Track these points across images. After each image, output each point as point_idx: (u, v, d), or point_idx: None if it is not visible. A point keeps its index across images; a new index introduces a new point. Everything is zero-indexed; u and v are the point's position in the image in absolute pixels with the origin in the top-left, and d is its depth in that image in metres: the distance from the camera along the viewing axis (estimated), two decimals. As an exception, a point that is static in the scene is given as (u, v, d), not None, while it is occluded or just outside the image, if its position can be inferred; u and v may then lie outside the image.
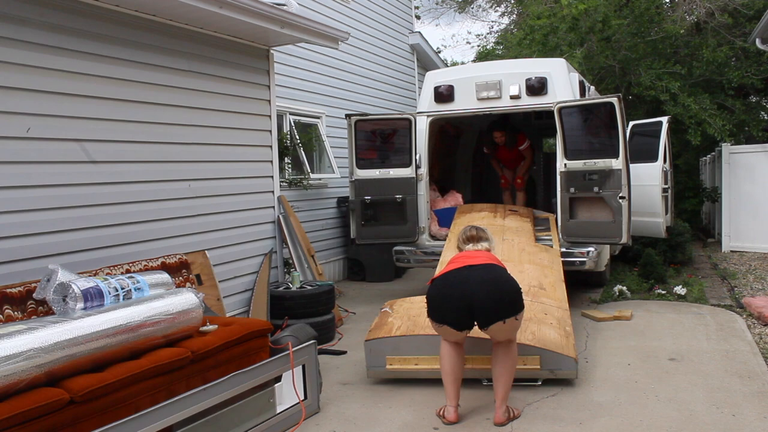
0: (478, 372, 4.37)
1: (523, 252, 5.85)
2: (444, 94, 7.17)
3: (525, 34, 12.15)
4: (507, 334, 3.83)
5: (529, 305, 4.65)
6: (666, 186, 7.83)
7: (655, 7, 11.63)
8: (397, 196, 7.05)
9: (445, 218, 7.32)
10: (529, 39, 11.91)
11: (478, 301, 3.70)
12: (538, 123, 9.85)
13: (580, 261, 6.44)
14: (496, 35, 17.76)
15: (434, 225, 7.36)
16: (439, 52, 13.80)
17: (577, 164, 6.37)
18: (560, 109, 6.38)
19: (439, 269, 5.57)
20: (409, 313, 4.78)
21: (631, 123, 8.43)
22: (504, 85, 6.92)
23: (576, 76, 7.01)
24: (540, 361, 4.30)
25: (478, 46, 18.80)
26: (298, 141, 8.30)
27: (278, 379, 3.83)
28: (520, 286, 4.68)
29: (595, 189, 6.21)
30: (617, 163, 6.09)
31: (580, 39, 11.33)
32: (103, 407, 3.07)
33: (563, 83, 6.75)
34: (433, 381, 4.34)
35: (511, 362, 3.85)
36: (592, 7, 10.79)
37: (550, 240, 6.51)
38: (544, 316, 4.69)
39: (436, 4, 18.59)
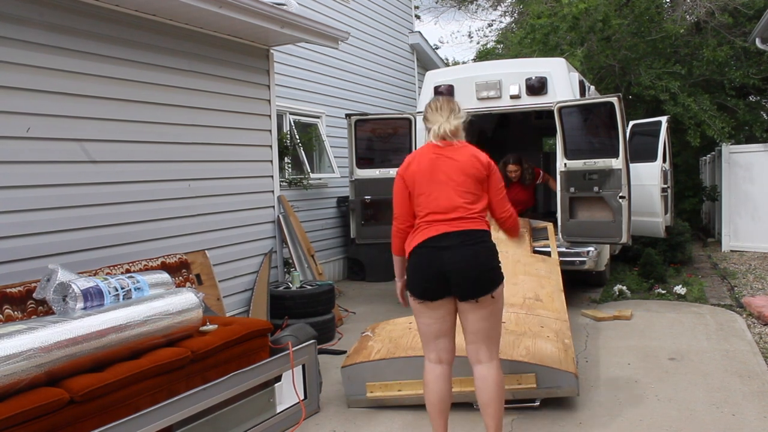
0: (465, 395, 3.93)
1: (518, 263, 5.66)
2: (444, 94, 7.17)
3: (526, 33, 12.15)
4: (483, 323, 3.14)
5: (523, 318, 4.47)
6: (665, 185, 7.84)
7: (655, 7, 11.63)
8: (397, 196, 7.04)
9: None
10: (530, 38, 11.91)
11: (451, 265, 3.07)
12: (538, 123, 9.85)
13: (580, 261, 6.44)
14: (496, 32, 17.77)
15: None
16: (437, 48, 13.79)
17: (577, 164, 6.37)
18: (560, 109, 6.39)
19: None
20: (391, 335, 4.42)
21: (631, 123, 8.43)
22: (504, 84, 6.92)
23: (576, 76, 7.02)
24: (536, 378, 3.89)
25: (478, 43, 18.81)
26: (298, 141, 8.30)
27: (278, 378, 3.83)
28: (515, 299, 4.48)
29: (595, 189, 6.21)
30: (617, 163, 6.09)
31: (581, 38, 11.33)
32: (103, 407, 3.07)
33: (563, 83, 6.75)
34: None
35: (498, 384, 3.17)
36: (593, 6, 10.79)
37: (549, 249, 6.28)
38: (540, 329, 4.38)
39: (436, 2, 18.59)
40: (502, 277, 3.21)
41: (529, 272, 5.50)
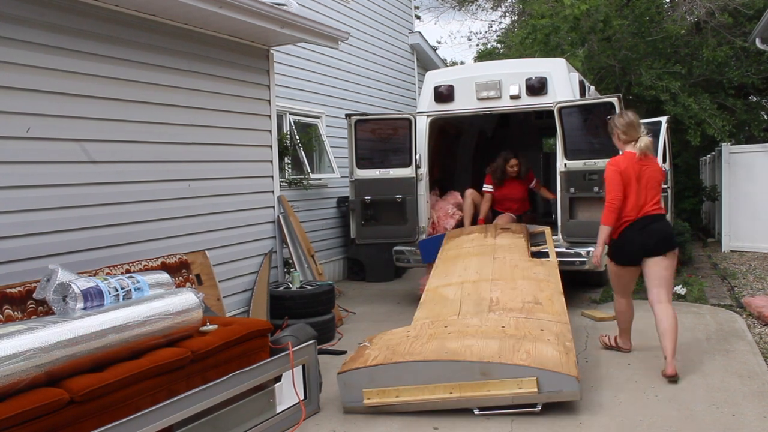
0: (466, 401, 3.89)
1: (516, 268, 5.60)
2: (444, 94, 7.17)
3: (527, 33, 12.14)
4: (663, 272, 4.69)
5: (523, 322, 4.44)
6: (665, 186, 7.83)
7: (655, 7, 11.63)
8: (397, 196, 7.05)
9: (429, 250, 6.75)
10: (530, 38, 11.91)
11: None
12: (538, 123, 9.86)
13: (579, 261, 6.43)
14: (496, 33, 17.78)
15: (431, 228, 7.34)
16: (436, 49, 13.79)
17: (577, 164, 6.37)
18: (560, 109, 6.39)
19: (427, 296, 5.35)
20: (389, 344, 4.32)
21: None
22: (504, 84, 6.92)
23: (576, 76, 7.02)
24: (537, 383, 3.81)
25: (477, 45, 18.81)
26: (298, 141, 8.30)
27: (278, 379, 3.83)
28: (514, 303, 4.83)
29: (595, 189, 6.21)
30: (617, 163, 6.09)
31: (582, 39, 11.33)
32: (103, 407, 3.07)
33: (563, 83, 6.75)
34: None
35: (674, 317, 4.60)
36: (594, 7, 10.80)
37: (547, 253, 6.21)
38: (541, 333, 4.31)
39: (437, -1, 18.58)
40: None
41: (527, 276, 5.44)
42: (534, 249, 6.30)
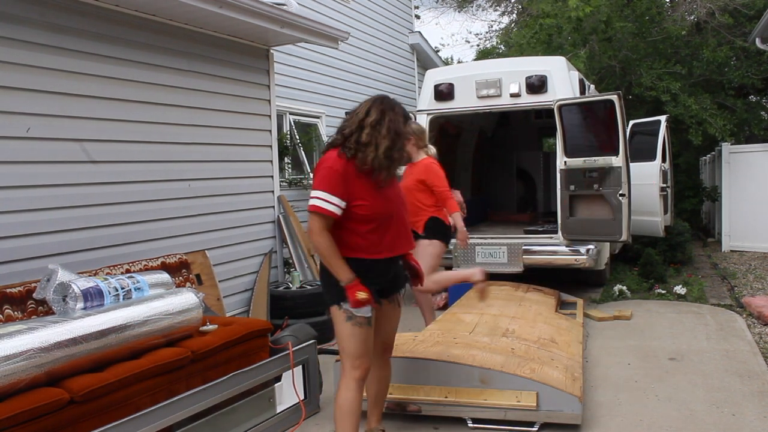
0: (461, 407, 3.73)
1: (540, 315, 5.46)
2: (444, 92, 7.18)
3: (533, 33, 12.10)
4: None
5: (535, 350, 4.29)
6: (664, 185, 7.84)
7: (655, 8, 11.63)
8: (397, 195, 7.02)
9: (457, 296, 6.51)
10: (534, 39, 11.90)
11: None
12: (538, 123, 9.86)
13: (578, 258, 6.44)
14: (496, 34, 17.76)
15: None
16: (438, 51, 13.80)
17: (577, 162, 6.38)
18: (560, 107, 6.39)
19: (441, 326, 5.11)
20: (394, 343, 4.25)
21: (630, 122, 8.44)
22: (504, 83, 6.92)
23: (576, 75, 7.02)
24: (537, 398, 3.61)
25: (477, 45, 18.80)
26: (298, 141, 8.30)
27: (278, 378, 3.83)
28: (529, 336, 4.56)
29: (595, 186, 6.22)
30: (617, 161, 6.10)
31: (583, 39, 11.33)
32: (103, 407, 3.07)
33: (563, 81, 6.75)
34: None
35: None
36: (596, 8, 10.80)
37: (574, 316, 5.98)
38: (550, 361, 4.12)
39: (436, 2, 18.57)
40: None
41: (549, 323, 5.27)
42: (562, 312, 6.07)
